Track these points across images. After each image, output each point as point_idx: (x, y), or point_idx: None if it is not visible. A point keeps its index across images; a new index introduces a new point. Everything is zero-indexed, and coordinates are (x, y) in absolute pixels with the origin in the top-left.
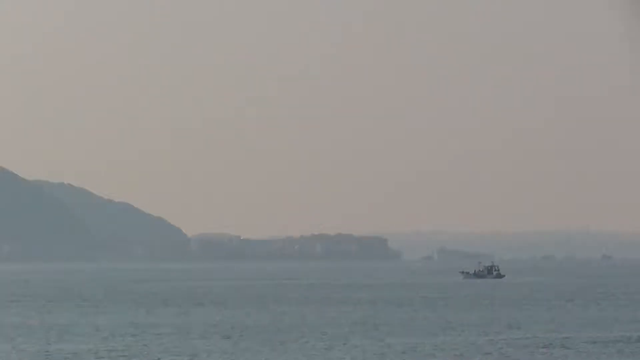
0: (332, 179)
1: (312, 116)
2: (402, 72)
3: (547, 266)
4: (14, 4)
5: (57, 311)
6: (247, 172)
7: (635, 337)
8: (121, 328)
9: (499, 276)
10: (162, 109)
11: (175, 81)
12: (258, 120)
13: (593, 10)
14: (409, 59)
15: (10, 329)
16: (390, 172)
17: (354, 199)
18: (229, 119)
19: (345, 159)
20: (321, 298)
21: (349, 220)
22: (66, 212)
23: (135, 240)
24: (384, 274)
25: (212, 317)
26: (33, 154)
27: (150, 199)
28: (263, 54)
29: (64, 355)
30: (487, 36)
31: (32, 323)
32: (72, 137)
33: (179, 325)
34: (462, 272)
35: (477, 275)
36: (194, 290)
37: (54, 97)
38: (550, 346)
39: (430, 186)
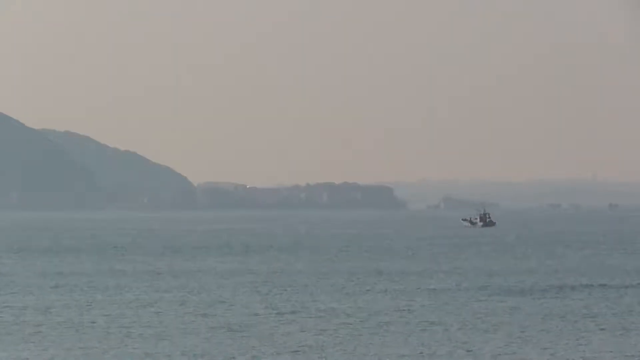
0: (339, 129)
1: (317, 67)
2: (404, 17)
3: (548, 215)
4: None
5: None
6: (253, 121)
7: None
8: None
9: (491, 224)
10: (169, 59)
11: (181, 35)
12: (263, 71)
13: None
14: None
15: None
16: (396, 122)
17: (360, 148)
18: (233, 69)
19: (351, 109)
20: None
21: (355, 169)
22: (72, 161)
23: (141, 189)
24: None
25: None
26: (39, 103)
27: (156, 148)
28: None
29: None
30: None
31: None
32: (78, 86)
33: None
34: (464, 220)
35: (472, 222)
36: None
37: (61, 48)
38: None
39: (435, 135)
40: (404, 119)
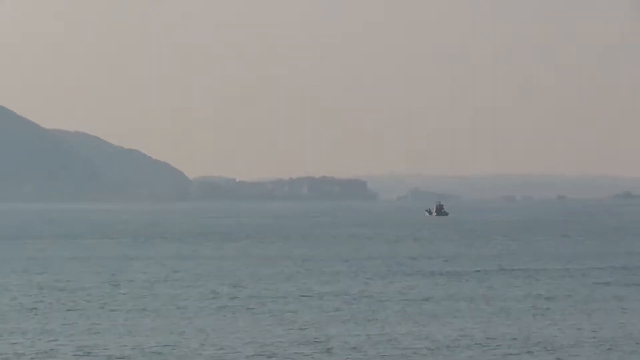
0: (318, 127)
1: (302, 68)
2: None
3: (498, 206)
4: None
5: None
6: (243, 121)
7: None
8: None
9: (444, 214)
10: (168, 66)
11: (181, 37)
12: (251, 75)
13: None
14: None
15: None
16: (369, 121)
17: (337, 144)
18: (227, 76)
19: (330, 108)
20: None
21: (332, 164)
22: (80, 158)
23: (142, 183)
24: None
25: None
26: (52, 106)
27: (156, 146)
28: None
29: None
30: None
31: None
32: (86, 90)
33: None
34: (427, 211)
35: (429, 212)
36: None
37: (73, 53)
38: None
39: (405, 133)
40: (376, 119)
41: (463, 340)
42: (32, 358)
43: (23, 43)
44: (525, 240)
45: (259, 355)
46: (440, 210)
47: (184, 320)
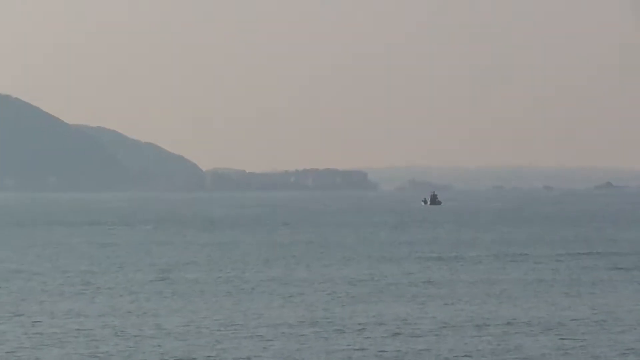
0: (323, 122)
1: (304, 68)
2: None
3: (490, 196)
4: None
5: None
6: (253, 116)
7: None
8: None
9: (438, 203)
10: (183, 66)
11: (195, 37)
12: (261, 73)
13: None
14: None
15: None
16: (370, 117)
17: (340, 138)
18: (237, 77)
19: (332, 106)
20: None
21: (335, 157)
22: (102, 151)
23: (159, 174)
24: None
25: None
26: (76, 102)
27: (172, 140)
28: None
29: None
30: None
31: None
32: (107, 88)
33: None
34: (423, 200)
35: (425, 202)
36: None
37: (96, 54)
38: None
39: (404, 129)
40: (376, 116)
41: (463, 319)
42: (71, 336)
43: (51, 47)
44: (510, 227)
45: (273, 333)
46: (434, 200)
47: (202, 301)
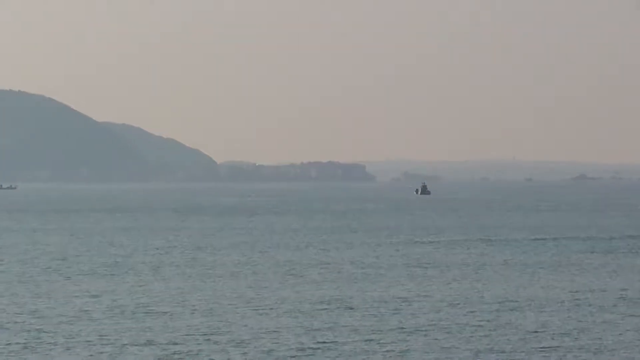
0: (325, 118)
1: (306, 68)
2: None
3: (475, 187)
4: None
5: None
6: (263, 113)
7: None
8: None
9: (427, 193)
10: (197, 66)
11: (209, 36)
12: (269, 72)
13: None
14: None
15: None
16: (368, 114)
17: (341, 134)
18: (247, 77)
19: (333, 104)
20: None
21: (336, 151)
22: (126, 146)
23: (178, 166)
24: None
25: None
26: (103, 101)
27: (189, 135)
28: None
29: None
30: None
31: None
32: (132, 87)
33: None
34: (415, 190)
35: (416, 192)
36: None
37: (123, 54)
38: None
39: (399, 124)
40: (375, 113)
41: (459, 299)
42: (100, 314)
43: (81, 53)
44: (489, 214)
45: (287, 312)
46: (424, 190)
47: (221, 283)
